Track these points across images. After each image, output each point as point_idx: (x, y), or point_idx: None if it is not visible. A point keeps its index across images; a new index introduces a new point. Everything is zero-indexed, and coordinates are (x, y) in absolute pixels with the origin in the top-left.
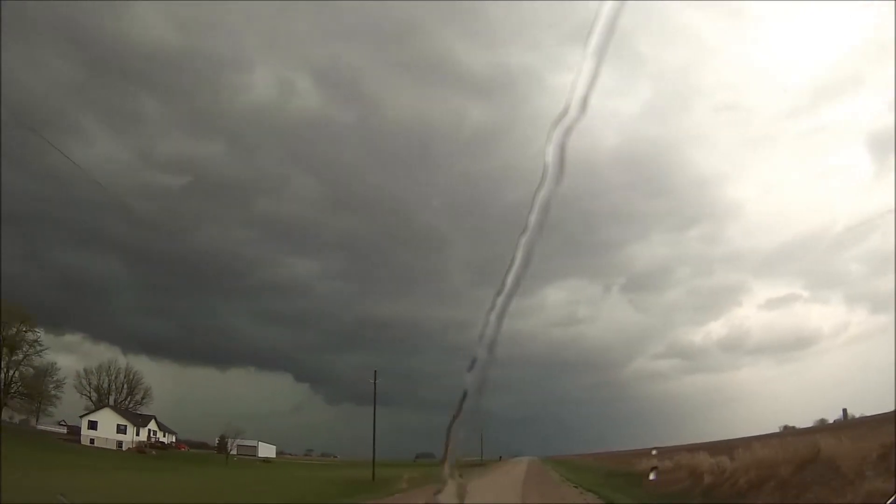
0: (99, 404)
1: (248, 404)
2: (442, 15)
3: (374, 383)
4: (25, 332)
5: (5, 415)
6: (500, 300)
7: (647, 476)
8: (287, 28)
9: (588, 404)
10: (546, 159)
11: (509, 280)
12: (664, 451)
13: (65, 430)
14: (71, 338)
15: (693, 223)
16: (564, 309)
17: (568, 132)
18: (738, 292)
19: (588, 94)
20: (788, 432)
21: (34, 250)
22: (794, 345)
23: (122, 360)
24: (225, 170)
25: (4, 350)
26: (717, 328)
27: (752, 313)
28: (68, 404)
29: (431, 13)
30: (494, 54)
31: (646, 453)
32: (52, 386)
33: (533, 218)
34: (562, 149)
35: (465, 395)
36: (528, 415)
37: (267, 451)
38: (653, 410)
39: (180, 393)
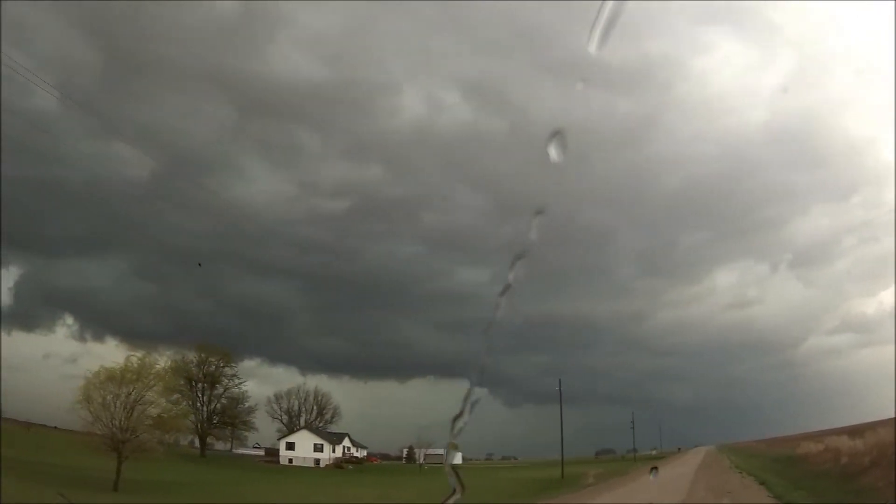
0: (290, 426)
1: (429, 413)
2: (575, 15)
3: (560, 390)
4: (223, 367)
5: (209, 443)
6: (502, 300)
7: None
8: (429, 48)
9: (765, 387)
10: (551, 155)
11: (511, 276)
12: (818, 435)
13: (262, 453)
14: (249, 363)
15: (852, 190)
16: (734, 291)
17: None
18: None
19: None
20: None
21: (211, 285)
22: None
23: (300, 380)
24: (387, 189)
25: (206, 385)
26: (889, 297)
27: None
28: (259, 428)
29: (564, 14)
30: (632, 46)
31: (811, 436)
32: (245, 412)
33: (532, 234)
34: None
35: (467, 395)
36: (706, 403)
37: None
38: (829, 389)
39: (363, 407)
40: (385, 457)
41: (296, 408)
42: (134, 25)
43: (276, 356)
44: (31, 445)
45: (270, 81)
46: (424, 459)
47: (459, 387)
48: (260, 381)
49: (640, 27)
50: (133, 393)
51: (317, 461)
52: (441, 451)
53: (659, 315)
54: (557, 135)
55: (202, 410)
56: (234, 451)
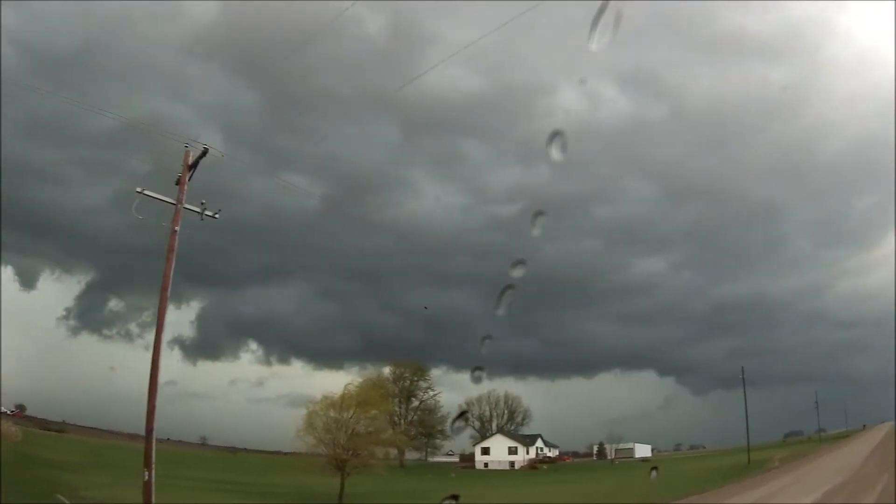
0: (482, 431)
1: (617, 406)
2: None
3: (742, 376)
4: (417, 381)
5: (409, 454)
6: (504, 297)
7: None
8: (579, 44)
9: None
10: (552, 155)
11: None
12: None
13: (456, 459)
14: (435, 371)
15: None
16: None
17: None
18: None
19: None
20: None
21: (392, 300)
22: None
23: (487, 385)
24: (557, 188)
25: (401, 399)
26: None
27: None
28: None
29: None
30: (776, 13)
31: None
32: (439, 421)
33: (535, 232)
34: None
35: (461, 413)
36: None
37: (643, 451)
38: None
39: (552, 406)
40: (575, 454)
41: (487, 413)
42: (290, 63)
43: (461, 362)
44: (244, 468)
45: (430, 98)
46: (615, 454)
47: (646, 378)
48: (447, 388)
49: None
50: (353, 416)
51: (511, 464)
52: (630, 446)
53: (840, 285)
54: (556, 136)
55: (400, 424)
56: (430, 459)
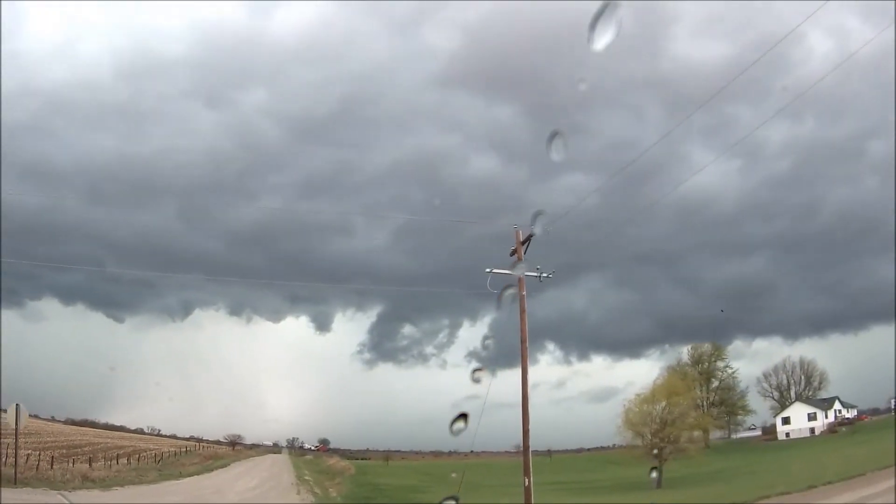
0: (782, 401)
1: None
2: None
3: None
4: (715, 361)
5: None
6: (504, 297)
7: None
8: None
9: None
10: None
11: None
12: None
13: (759, 433)
14: (737, 343)
15: None
16: None
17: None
18: None
19: None
20: None
21: (684, 279)
22: None
23: (784, 350)
24: (826, 133)
25: (702, 382)
26: None
27: None
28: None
29: None
30: None
31: None
32: (737, 397)
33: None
34: None
35: (460, 415)
36: None
37: None
38: None
39: (854, 363)
40: (875, 412)
41: (784, 382)
42: (544, 69)
43: (756, 330)
44: (558, 469)
45: (684, 72)
46: None
47: None
48: (747, 359)
49: None
50: (666, 408)
51: (811, 430)
52: None
53: None
54: (555, 136)
55: (703, 405)
56: (733, 436)
